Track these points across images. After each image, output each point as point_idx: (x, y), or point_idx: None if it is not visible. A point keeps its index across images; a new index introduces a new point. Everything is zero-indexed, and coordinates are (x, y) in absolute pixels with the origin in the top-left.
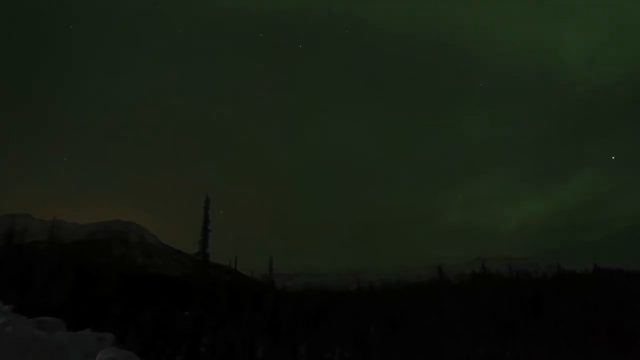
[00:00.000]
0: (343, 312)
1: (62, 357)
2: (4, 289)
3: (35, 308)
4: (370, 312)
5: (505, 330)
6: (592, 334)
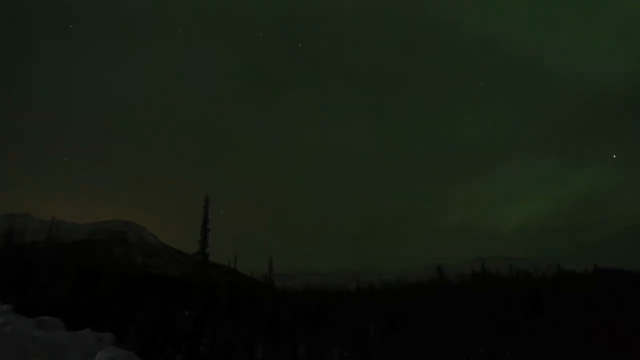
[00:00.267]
0: (343, 312)
1: (62, 357)
2: (3, 289)
3: (34, 308)
4: (370, 312)
5: (505, 330)
6: (592, 334)
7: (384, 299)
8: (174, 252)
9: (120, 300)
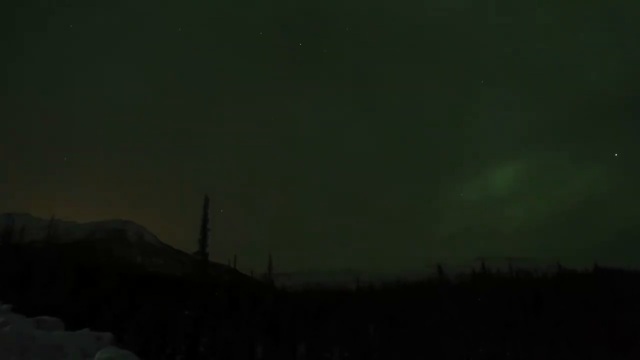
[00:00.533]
0: (343, 312)
1: (61, 356)
2: (2, 288)
3: (33, 307)
4: (370, 312)
5: (505, 330)
6: (592, 334)
7: (384, 299)
8: (174, 252)
9: (119, 300)
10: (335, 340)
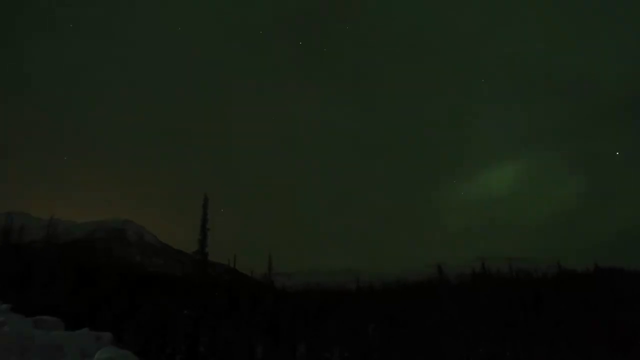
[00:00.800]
0: (343, 312)
1: (60, 356)
2: (1, 288)
3: (33, 307)
4: (370, 312)
5: (505, 330)
6: (592, 334)
7: (384, 299)
8: (174, 252)
9: (119, 300)
10: (335, 340)
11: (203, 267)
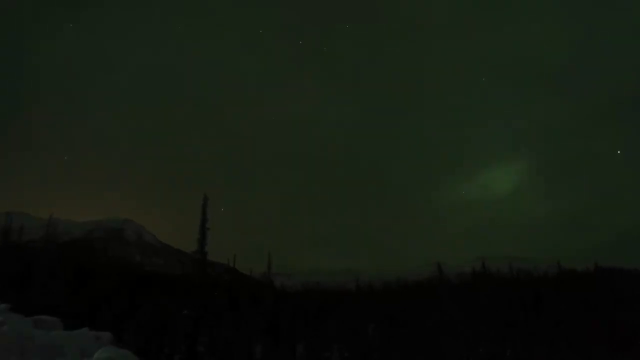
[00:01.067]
0: (343, 312)
1: (59, 356)
2: (1, 288)
3: (32, 307)
4: (370, 311)
5: (505, 330)
6: (592, 334)
7: (384, 299)
8: (173, 251)
9: (118, 300)
10: (335, 340)
11: (203, 267)
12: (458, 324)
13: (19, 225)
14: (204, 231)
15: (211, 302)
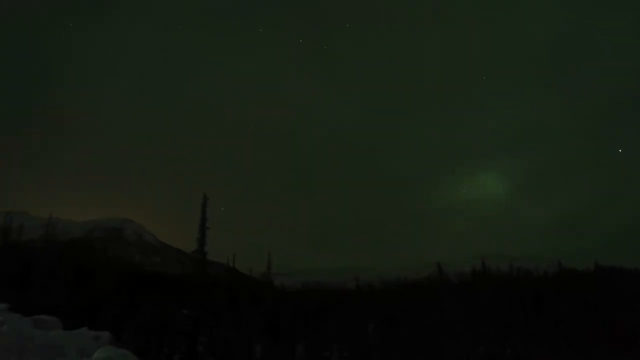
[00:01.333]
0: (343, 312)
1: (59, 356)
2: (0, 288)
3: (31, 307)
4: (370, 311)
5: (505, 330)
6: (592, 333)
7: (383, 299)
8: (173, 251)
9: (118, 299)
10: (335, 340)
11: (202, 267)
12: (458, 323)
13: (18, 224)
14: (203, 231)
15: (211, 302)
